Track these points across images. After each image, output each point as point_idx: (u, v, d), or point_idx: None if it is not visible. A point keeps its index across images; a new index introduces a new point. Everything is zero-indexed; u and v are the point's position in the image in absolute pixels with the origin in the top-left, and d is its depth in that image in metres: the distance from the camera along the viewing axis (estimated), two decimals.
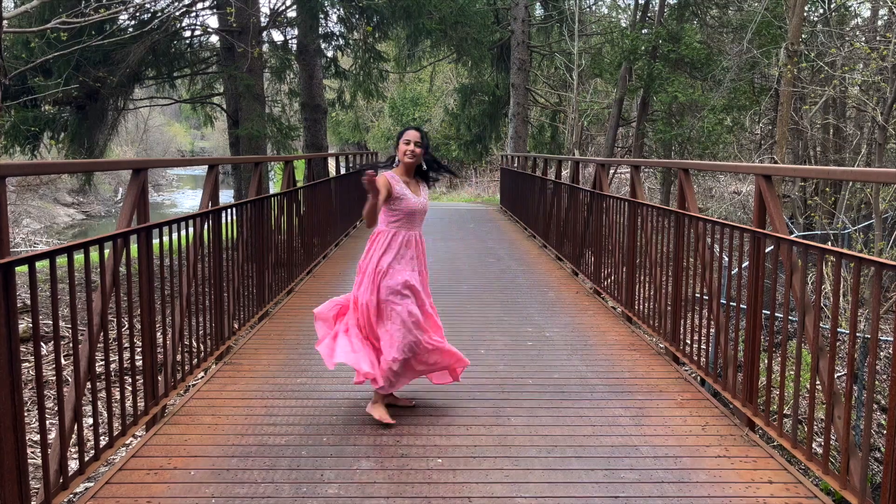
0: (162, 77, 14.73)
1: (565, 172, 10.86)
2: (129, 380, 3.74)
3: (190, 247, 4.76)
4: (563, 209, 9.77)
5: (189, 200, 36.13)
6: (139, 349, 3.92)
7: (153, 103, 18.34)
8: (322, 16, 15.29)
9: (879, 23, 14.65)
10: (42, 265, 3.02)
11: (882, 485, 2.85)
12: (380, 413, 3.99)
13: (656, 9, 17.49)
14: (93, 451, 3.37)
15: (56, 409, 3.20)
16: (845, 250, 3.23)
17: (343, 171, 13.24)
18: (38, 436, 2.99)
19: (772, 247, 3.94)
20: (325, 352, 4.08)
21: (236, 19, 13.07)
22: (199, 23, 15.08)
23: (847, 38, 13.87)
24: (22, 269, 2.79)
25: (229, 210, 5.55)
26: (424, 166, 4.17)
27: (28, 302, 7.87)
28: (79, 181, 23.37)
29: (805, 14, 13.20)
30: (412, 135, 4.10)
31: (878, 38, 13.10)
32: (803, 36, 12.94)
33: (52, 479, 3.02)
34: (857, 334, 6.75)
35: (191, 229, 4.74)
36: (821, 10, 14.94)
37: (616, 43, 17.43)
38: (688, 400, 4.42)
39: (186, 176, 51.03)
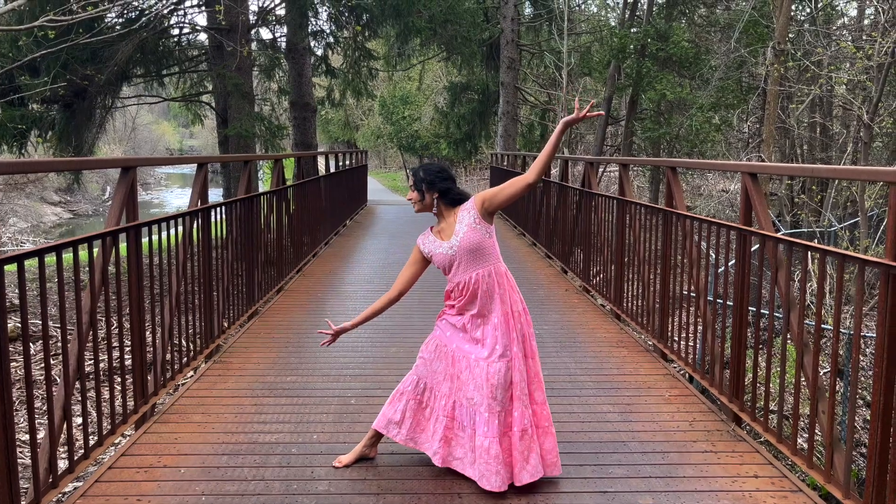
0: (150, 75, 14.67)
1: (554, 171, 10.90)
2: (119, 379, 3.74)
3: (179, 245, 4.75)
4: (552, 207, 9.81)
5: (177, 199, 35.97)
6: (128, 348, 3.91)
7: (141, 101, 18.26)
8: (311, 14, 15.26)
9: (866, 22, 14.77)
10: (31, 264, 3.02)
11: (866, 478, 2.89)
12: None
13: (645, 7, 17.56)
14: (82, 450, 3.37)
15: (45, 408, 3.19)
16: (829, 247, 3.27)
17: (333, 170, 13.23)
18: (28, 435, 2.99)
19: (758, 244, 3.99)
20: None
21: (225, 17, 13.03)
22: (187, 21, 15.05)
23: (834, 38, 13.98)
24: (11, 268, 2.79)
25: (219, 209, 5.55)
26: (437, 202, 3.36)
27: (16, 301, 7.83)
28: (66, 180, 23.21)
29: (792, 13, 13.30)
30: (411, 180, 3.39)
31: (864, 37, 13.21)
32: (790, 35, 13.03)
33: (42, 477, 3.02)
34: (842, 330, 6.82)
35: (180, 228, 4.74)
36: (808, 10, 15.05)
37: (605, 41, 17.49)
38: (675, 396, 4.45)
39: (175, 174, 50.82)
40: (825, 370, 6.82)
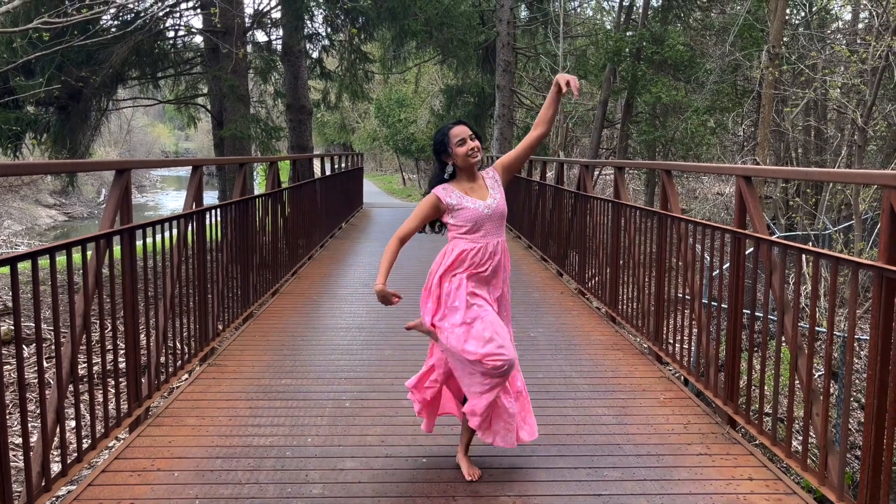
0: (146, 77, 14.66)
1: (550, 174, 10.91)
2: (112, 382, 3.73)
3: (174, 248, 4.74)
4: (547, 210, 9.82)
5: (172, 201, 35.95)
6: (122, 351, 3.90)
7: (137, 104, 18.22)
8: (307, 16, 15.27)
9: (860, 26, 14.82)
10: (24, 266, 3.01)
11: (860, 481, 2.89)
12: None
13: (640, 11, 17.61)
14: (75, 454, 3.36)
15: (38, 411, 3.18)
16: (823, 250, 3.28)
17: (328, 173, 13.23)
18: (21, 438, 2.98)
19: (752, 247, 3.99)
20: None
21: (221, 20, 13.03)
22: (183, 23, 15.04)
23: (828, 42, 14.03)
24: (4, 270, 2.78)
25: (213, 211, 5.54)
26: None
27: (9, 304, 7.81)
28: (62, 182, 23.16)
29: (786, 17, 13.35)
30: (464, 130, 3.19)
31: (858, 41, 13.27)
32: (785, 39, 13.08)
33: (35, 481, 3.00)
34: (836, 333, 6.83)
35: (175, 230, 4.73)
36: (802, 14, 15.11)
37: (600, 45, 17.51)
38: (670, 399, 4.46)
39: (170, 177, 50.79)
40: (819, 373, 6.83)
